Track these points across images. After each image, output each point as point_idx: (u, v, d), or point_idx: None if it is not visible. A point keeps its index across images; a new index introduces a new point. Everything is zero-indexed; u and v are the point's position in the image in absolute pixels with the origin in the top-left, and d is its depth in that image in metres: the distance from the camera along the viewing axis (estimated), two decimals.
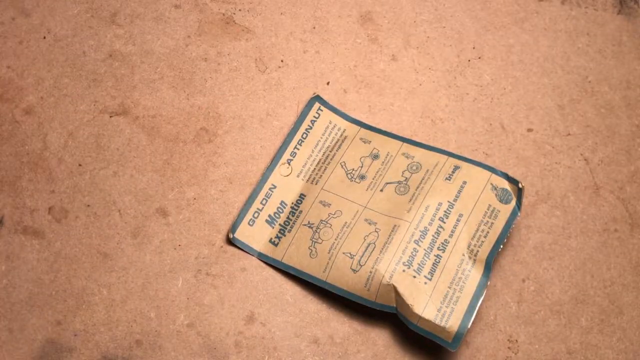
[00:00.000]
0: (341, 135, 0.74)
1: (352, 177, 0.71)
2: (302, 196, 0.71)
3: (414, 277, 0.66)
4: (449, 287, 0.66)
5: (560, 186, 0.73)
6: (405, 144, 0.72)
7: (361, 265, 0.67)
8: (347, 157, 0.72)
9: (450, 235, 0.67)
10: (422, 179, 0.70)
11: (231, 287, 0.69)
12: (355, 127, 0.74)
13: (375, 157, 0.72)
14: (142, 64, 0.75)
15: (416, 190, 0.69)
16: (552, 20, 0.79)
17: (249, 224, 0.70)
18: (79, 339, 0.67)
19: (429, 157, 0.71)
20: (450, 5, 0.79)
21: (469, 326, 0.65)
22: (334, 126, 0.74)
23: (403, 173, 0.71)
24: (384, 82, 0.76)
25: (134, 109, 0.74)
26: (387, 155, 0.72)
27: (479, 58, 0.77)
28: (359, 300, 0.67)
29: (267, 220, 0.70)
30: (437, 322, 0.65)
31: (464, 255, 0.67)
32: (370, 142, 0.73)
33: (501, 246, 0.67)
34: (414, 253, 0.66)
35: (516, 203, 0.69)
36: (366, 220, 0.69)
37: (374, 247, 0.67)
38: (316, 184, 0.71)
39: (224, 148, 0.73)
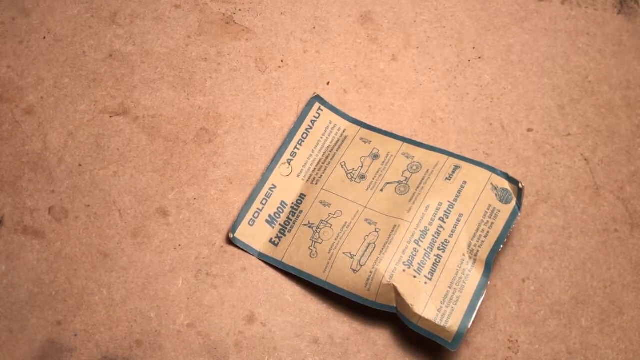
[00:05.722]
0: (341, 135, 0.74)
1: (352, 177, 0.71)
2: (302, 196, 0.71)
3: (414, 277, 0.66)
4: (449, 287, 0.66)
5: (560, 186, 0.73)
6: (405, 144, 0.72)
7: (361, 265, 0.67)
8: (347, 157, 0.72)
9: (451, 235, 0.67)
10: (422, 179, 0.70)
11: (231, 287, 0.69)
12: (356, 127, 0.74)
13: (376, 157, 0.72)
14: (142, 64, 0.75)
15: (416, 190, 0.69)
16: (552, 20, 0.79)
17: (249, 224, 0.70)
18: (79, 339, 0.67)
19: (429, 157, 0.71)
20: (450, 5, 0.79)
21: (469, 326, 0.65)
22: (334, 126, 0.74)
23: (403, 173, 0.70)
24: (384, 82, 0.76)
25: (134, 109, 0.74)
26: (387, 155, 0.72)
27: (479, 58, 0.77)
28: (359, 300, 0.67)
29: (267, 220, 0.70)
30: (437, 322, 0.65)
31: (464, 255, 0.67)
32: (370, 142, 0.73)
33: (501, 246, 0.67)
34: (414, 253, 0.66)
35: (516, 203, 0.69)
36: (366, 220, 0.69)
37: (374, 247, 0.67)
38: (316, 184, 0.71)
39: (224, 148, 0.73)
